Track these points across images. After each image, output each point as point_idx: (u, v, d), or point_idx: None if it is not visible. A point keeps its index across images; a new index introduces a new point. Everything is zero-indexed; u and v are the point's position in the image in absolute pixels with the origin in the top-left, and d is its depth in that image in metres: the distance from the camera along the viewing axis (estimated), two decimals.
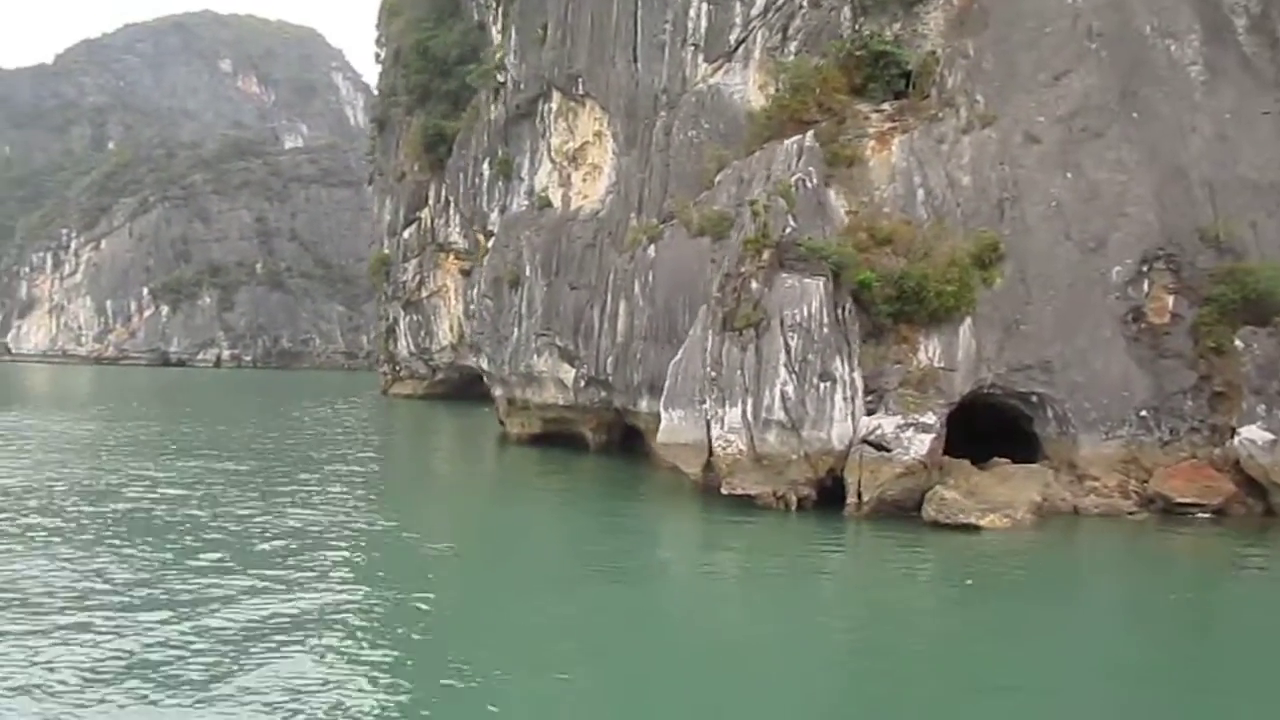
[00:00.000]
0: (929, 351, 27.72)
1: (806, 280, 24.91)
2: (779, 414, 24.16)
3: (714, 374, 25.21)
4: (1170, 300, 28.16)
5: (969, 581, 17.88)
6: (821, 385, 24.53)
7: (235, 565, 17.89)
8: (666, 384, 27.60)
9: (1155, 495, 25.09)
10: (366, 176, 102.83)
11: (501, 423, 43.77)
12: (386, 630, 14.71)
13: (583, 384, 36.45)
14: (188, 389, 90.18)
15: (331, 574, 17.77)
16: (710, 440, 25.08)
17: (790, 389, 24.17)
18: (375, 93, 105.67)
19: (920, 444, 23.99)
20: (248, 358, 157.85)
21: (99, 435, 41.88)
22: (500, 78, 44.22)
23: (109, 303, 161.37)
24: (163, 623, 14.09)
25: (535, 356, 38.58)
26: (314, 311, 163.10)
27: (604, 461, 36.13)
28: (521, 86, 41.96)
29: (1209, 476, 24.91)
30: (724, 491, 24.48)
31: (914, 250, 28.83)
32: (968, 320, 27.84)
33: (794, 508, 24.25)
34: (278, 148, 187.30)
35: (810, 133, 29.15)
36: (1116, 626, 15.89)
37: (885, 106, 31.81)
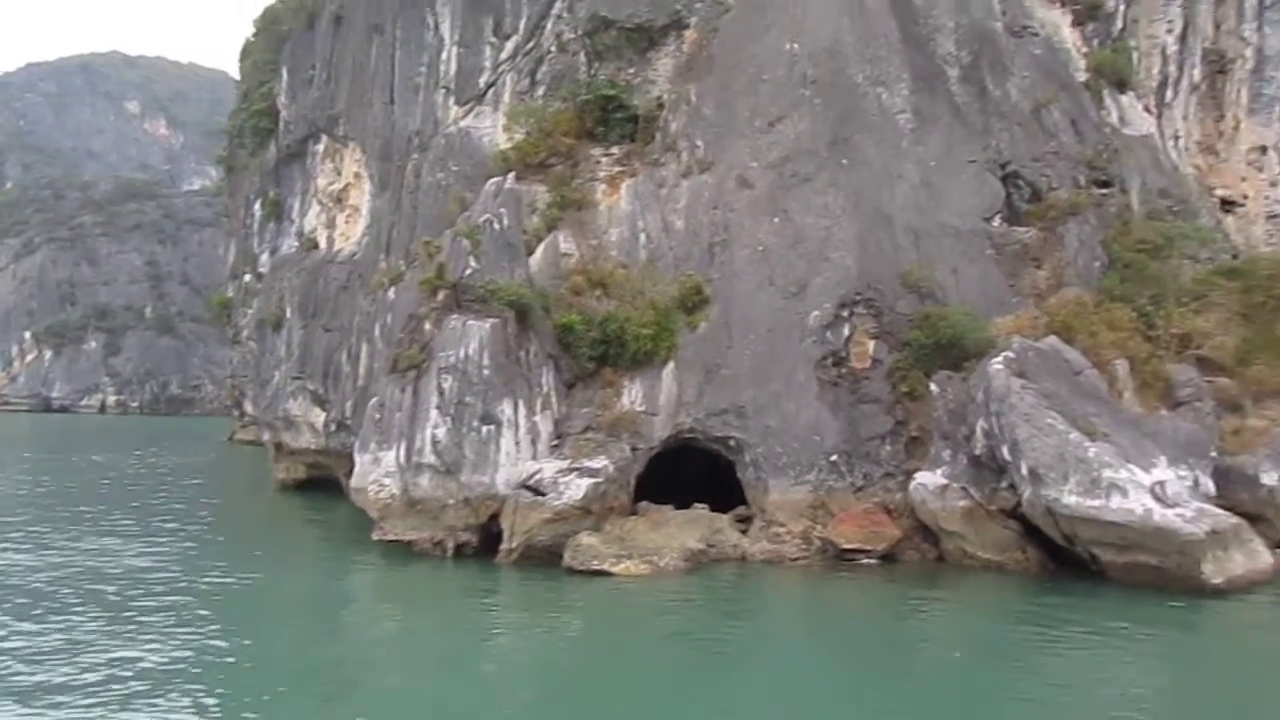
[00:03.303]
0: (632, 396, 27.39)
1: (471, 321, 24.38)
2: (430, 457, 23.44)
3: (378, 416, 24.53)
4: (871, 345, 28.11)
5: (496, 631, 17.31)
6: (484, 429, 23.92)
7: None
8: (361, 428, 26.89)
9: (826, 542, 24.80)
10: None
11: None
12: None
13: (332, 428, 35.53)
14: (39, 437, 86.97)
15: None
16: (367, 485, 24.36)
17: (442, 432, 23.50)
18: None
19: (577, 489, 23.42)
20: (134, 404, 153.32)
21: None
22: (271, 120, 43.83)
23: None
24: None
25: (290, 400, 37.57)
26: (205, 357, 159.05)
27: (351, 507, 35.03)
28: (292, 127, 41.40)
29: (877, 522, 24.66)
30: (375, 538, 23.70)
31: (626, 294, 28.71)
32: (670, 364, 27.59)
33: (450, 554, 23.51)
34: (173, 190, 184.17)
35: (511, 174, 28.94)
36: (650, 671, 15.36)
37: (614, 151, 31.85)
